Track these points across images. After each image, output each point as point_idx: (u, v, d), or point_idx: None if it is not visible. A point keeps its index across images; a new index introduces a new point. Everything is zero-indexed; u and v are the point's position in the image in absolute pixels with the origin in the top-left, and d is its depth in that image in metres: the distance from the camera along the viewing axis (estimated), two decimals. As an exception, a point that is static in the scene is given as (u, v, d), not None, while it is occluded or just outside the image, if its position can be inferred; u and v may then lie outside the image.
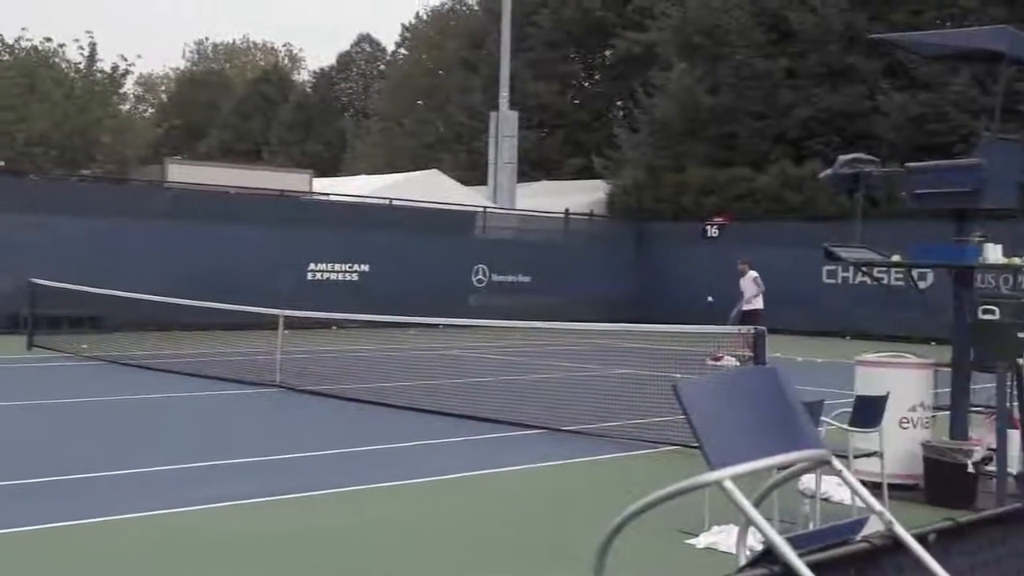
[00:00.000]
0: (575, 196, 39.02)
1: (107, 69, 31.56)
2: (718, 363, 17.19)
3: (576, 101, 53.52)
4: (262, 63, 79.59)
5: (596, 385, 15.82)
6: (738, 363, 14.51)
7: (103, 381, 16.13)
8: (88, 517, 7.72)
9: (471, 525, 7.97)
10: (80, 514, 7.78)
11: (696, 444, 3.09)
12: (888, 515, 3.04)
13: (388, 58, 70.08)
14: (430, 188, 33.28)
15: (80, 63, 31.38)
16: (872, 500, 3.17)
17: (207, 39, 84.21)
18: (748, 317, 20.27)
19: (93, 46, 31.21)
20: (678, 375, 12.62)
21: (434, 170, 40.11)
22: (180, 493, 8.58)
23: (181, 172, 30.87)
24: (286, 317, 16.18)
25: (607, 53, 51.97)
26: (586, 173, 46.14)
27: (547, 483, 9.73)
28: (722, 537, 7.14)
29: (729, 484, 3.05)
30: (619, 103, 49.45)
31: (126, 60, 31.94)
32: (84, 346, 19.63)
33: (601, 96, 52.93)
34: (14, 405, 13.48)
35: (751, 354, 10.86)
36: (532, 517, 8.29)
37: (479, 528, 7.89)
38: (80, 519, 7.65)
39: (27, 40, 30.80)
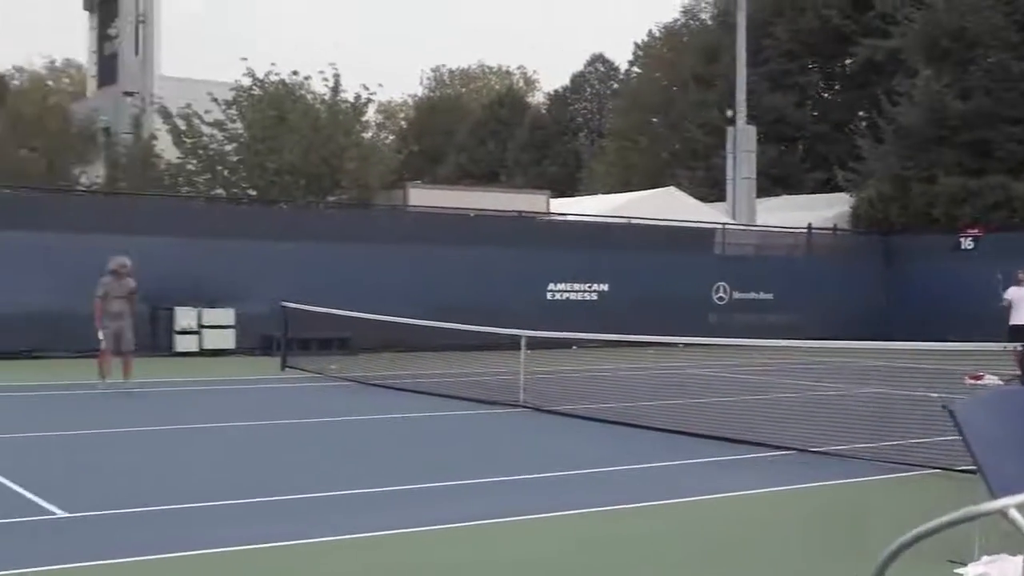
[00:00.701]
0: (817, 210, 38.03)
1: (350, 99, 32.60)
2: (978, 382, 16.26)
3: (815, 113, 52.20)
4: (497, 87, 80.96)
5: (844, 404, 15.23)
6: (1001, 382, 13.65)
7: (351, 401, 16.55)
8: (340, 534, 7.83)
9: (725, 550, 7.69)
10: (335, 530, 7.90)
11: (962, 468, 2.82)
12: None
13: (621, 77, 70.13)
14: (667, 206, 33.03)
15: (325, 94, 32.53)
16: None
17: (443, 66, 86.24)
18: (1017, 333, 19.08)
19: (337, 78, 32.34)
20: (934, 394, 11.99)
21: (671, 187, 39.85)
22: (430, 512, 8.64)
23: (421, 196, 31.62)
24: (527, 337, 16.21)
25: (847, 62, 50.47)
26: (828, 186, 44.90)
27: (801, 506, 9.34)
28: (994, 568, 6.64)
29: (1015, 513, 2.80)
30: (861, 113, 47.87)
31: (368, 89, 32.93)
32: (333, 367, 20.23)
33: (841, 106, 51.44)
34: (270, 424, 13.97)
35: (1018, 372, 10.14)
36: (787, 543, 7.94)
37: (732, 554, 7.60)
38: (333, 536, 7.77)
39: (276, 75, 32.12)
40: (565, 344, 23.66)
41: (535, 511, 8.72)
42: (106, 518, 8.42)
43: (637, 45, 65.65)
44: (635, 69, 66.52)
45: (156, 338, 22.81)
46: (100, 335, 16.73)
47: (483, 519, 8.41)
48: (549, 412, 14.96)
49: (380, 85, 34.79)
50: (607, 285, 28.45)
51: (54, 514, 8.44)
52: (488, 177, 62.46)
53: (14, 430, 12.88)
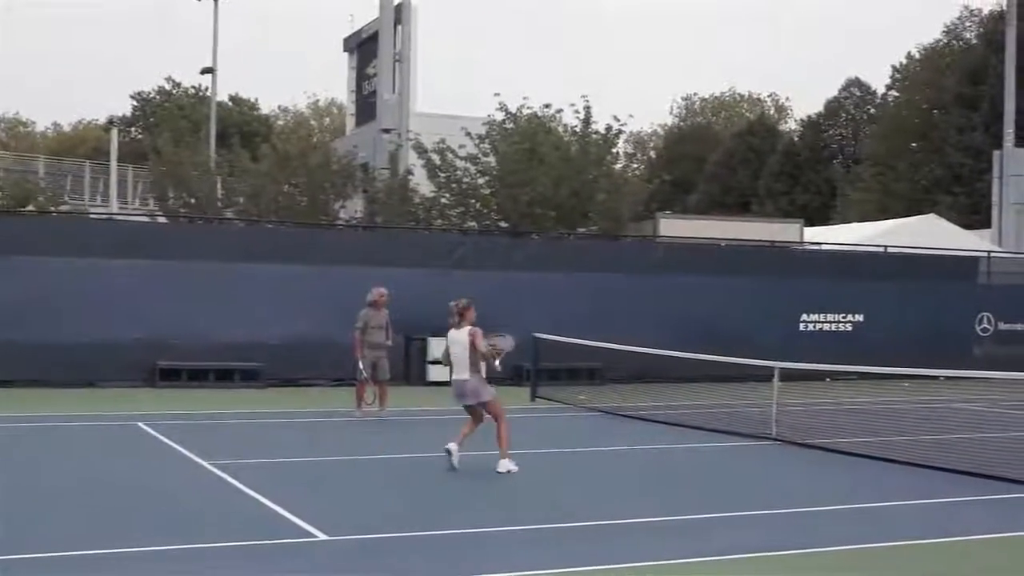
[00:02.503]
0: (1093, 236, 35.80)
1: (601, 130, 32.70)
2: None
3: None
4: (748, 115, 79.86)
5: None
6: None
7: (601, 432, 16.53)
8: (582, 565, 7.81)
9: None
10: (575, 561, 7.90)
11: None
12: None
13: (878, 101, 68.02)
14: (927, 233, 31.80)
15: (576, 126, 32.74)
16: None
17: (694, 94, 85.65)
18: None
19: (588, 110, 32.49)
20: None
21: (931, 215, 38.35)
22: (672, 544, 8.54)
23: (671, 227, 31.38)
24: (780, 369, 15.81)
25: None
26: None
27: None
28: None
29: None
30: None
31: (618, 120, 32.95)
32: (582, 397, 20.27)
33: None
34: (521, 453, 14.07)
35: None
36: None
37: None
38: (575, 567, 7.76)
39: (528, 108, 32.56)
40: (818, 376, 23.01)
41: (793, 547, 8.56)
42: (365, 542, 8.66)
43: (895, 68, 63.56)
44: (893, 93, 64.42)
45: (410, 368, 23.40)
46: (360, 364, 17.29)
47: (743, 553, 8.33)
48: (802, 446, 14.56)
49: (631, 116, 34.76)
50: (862, 316, 27.52)
51: (316, 537, 8.74)
52: (739, 206, 61.57)
53: (277, 455, 13.44)
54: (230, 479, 11.38)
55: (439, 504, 10.44)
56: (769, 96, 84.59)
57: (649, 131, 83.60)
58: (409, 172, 32.74)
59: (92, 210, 42.19)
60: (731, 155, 68.19)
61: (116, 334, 21.57)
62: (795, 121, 78.34)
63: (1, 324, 20.90)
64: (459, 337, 12.38)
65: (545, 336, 20.83)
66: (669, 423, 16.96)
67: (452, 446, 12.15)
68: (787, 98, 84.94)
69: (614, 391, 20.95)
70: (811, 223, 41.73)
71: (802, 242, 32.11)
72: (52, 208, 35.09)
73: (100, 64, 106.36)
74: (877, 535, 9.06)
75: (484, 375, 12.31)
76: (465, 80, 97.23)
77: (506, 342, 12.88)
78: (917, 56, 61.41)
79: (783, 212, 54.95)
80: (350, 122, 47.59)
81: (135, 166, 47.76)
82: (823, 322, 27.27)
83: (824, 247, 30.90)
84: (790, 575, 7.84)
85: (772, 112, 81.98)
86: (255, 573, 7.69)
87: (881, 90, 67.66)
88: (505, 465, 12.00)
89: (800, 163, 64.87)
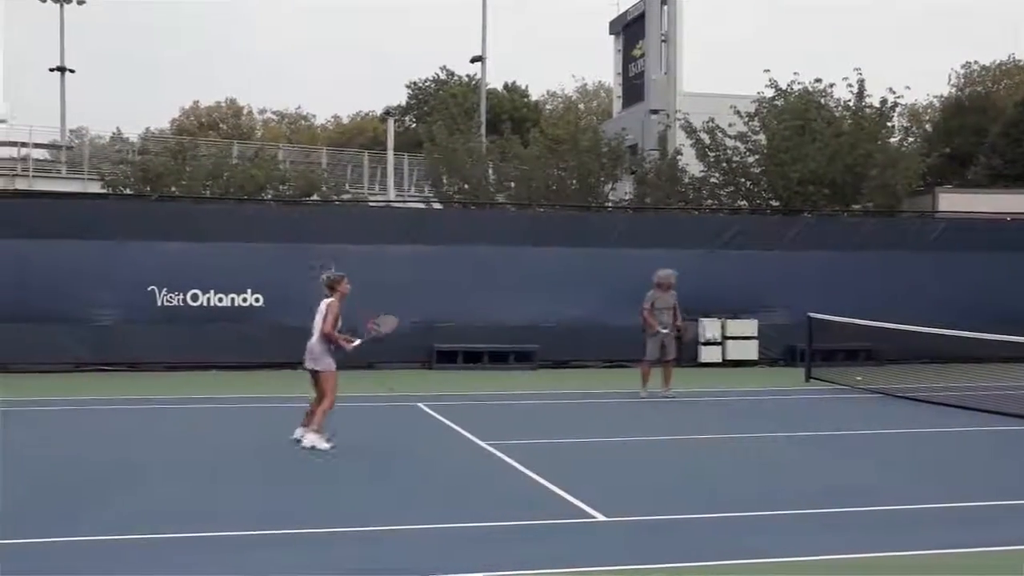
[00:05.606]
0: None
1: (875, 104, 31.65)
2: None
3: None
4: (1035, 81, 75.28)
5: None
6: None
7: (877, 413, 16.05)
8: (888, 550, 7.68)
9: None
10: (859, 547, 7.76)
11: None
12: None
13: None
14: None
15: (849, 100, 31.79)
16: None
17: (975, 62, 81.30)
18: None
19: (862, 83, 31.48)
20: None
21: None
22: (957, 533, 8.29)
23: (952, 201, 30.12)
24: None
25: None
26: None
27: None
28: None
29: None
30: None
31: (894, 93, 31.79)
32: (858, 378, 19.73)
33: None
34: (800, 436, 13.88)
35: None
36: None
37: None
38: (859, 552, 7.62)
39: (799, 84, 31.81)
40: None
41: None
42: (644, 524, 8.73)
43: None
44: None
45: (681, 349, 23.28)
46: (648, 345, 17.47)
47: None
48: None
49: (907, 88, 33.29)
50: None
51: (594, 517, 8.86)
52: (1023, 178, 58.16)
53: (551, 435, 13.68)
54: (507, 458, 11.65)
55: (718, 485, 10.38)
56: (1057, 59, 79.43)
57: (925, 103, 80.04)
58: (678, 152, 32.60)
59: (371, 198, 43.87)
60: (1015, 124, 64.49)
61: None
62: (1090, 84, 73.26)
63: (291, 308, 22.00)
64: (320, 306, 12.84)
65: (819, 316, 20.38)
66: (951, 405, 16.30)
67: (299, 432, 12.37)
68: (1074, 59, 79.43)
69: (892, 372, 20.29)
70: (1108, 193, 39.05)
71: (1100, 214, 30.12)
72: (335, 197, 36.67)
73: (377, 57, 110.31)
74: None
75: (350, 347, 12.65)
76: (734, 58, 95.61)
77: (387, 324, 13.21)
78: None
79: (1076, 182, 51.58)
80: (617, 104, 47.71)
81: (410, 154, 49.30)
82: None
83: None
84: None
85: (1062, 76, 76.96)
86: (535, 552, 7.85)
87: None
88: (311, 439, 12.12)
89: (1095, 129, 60.69)
